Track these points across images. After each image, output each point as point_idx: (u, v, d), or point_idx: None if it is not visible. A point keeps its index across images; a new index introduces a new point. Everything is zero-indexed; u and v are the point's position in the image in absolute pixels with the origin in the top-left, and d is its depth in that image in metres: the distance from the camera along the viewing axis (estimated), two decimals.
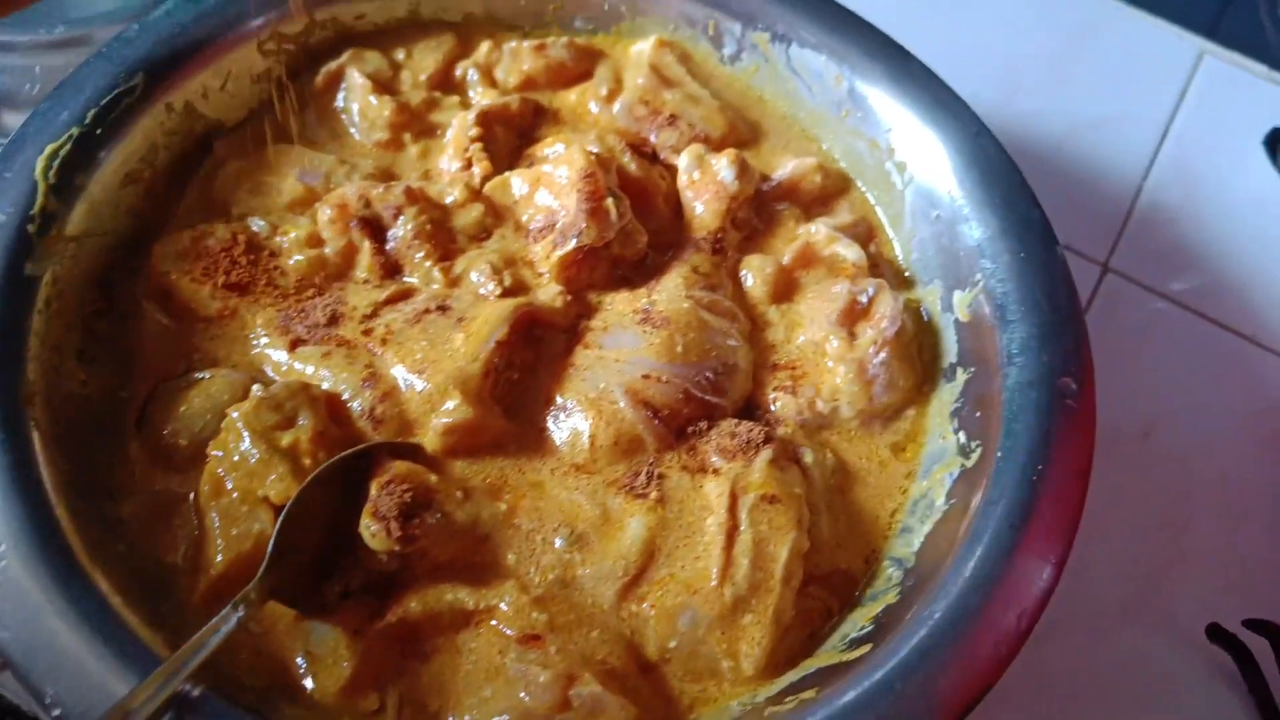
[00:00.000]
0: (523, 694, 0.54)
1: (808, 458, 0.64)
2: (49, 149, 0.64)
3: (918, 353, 0.70)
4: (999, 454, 0.61)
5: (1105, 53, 1.05)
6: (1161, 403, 0.83)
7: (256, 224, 0.69)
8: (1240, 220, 0.94)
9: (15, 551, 0.52)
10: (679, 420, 0.64)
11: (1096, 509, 0.76)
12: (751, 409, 0.67)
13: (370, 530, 0.56)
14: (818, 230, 0.72)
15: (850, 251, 0.71)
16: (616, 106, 0.78)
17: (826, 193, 0.77)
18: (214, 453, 0.59)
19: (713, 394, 0.65)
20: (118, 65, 0.69)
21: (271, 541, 0.55)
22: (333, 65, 0.76)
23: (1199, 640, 0.71)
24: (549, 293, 0.67)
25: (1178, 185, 0.96)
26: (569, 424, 0.63)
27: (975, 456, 0.62)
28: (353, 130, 0.75)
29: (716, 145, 0.76)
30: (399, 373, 0.63)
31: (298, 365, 0.63)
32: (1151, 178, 0.96)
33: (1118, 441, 0.80)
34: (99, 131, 0.66)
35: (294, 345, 0.64)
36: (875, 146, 0.75)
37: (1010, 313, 0.66)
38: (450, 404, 0.61)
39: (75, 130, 0.66)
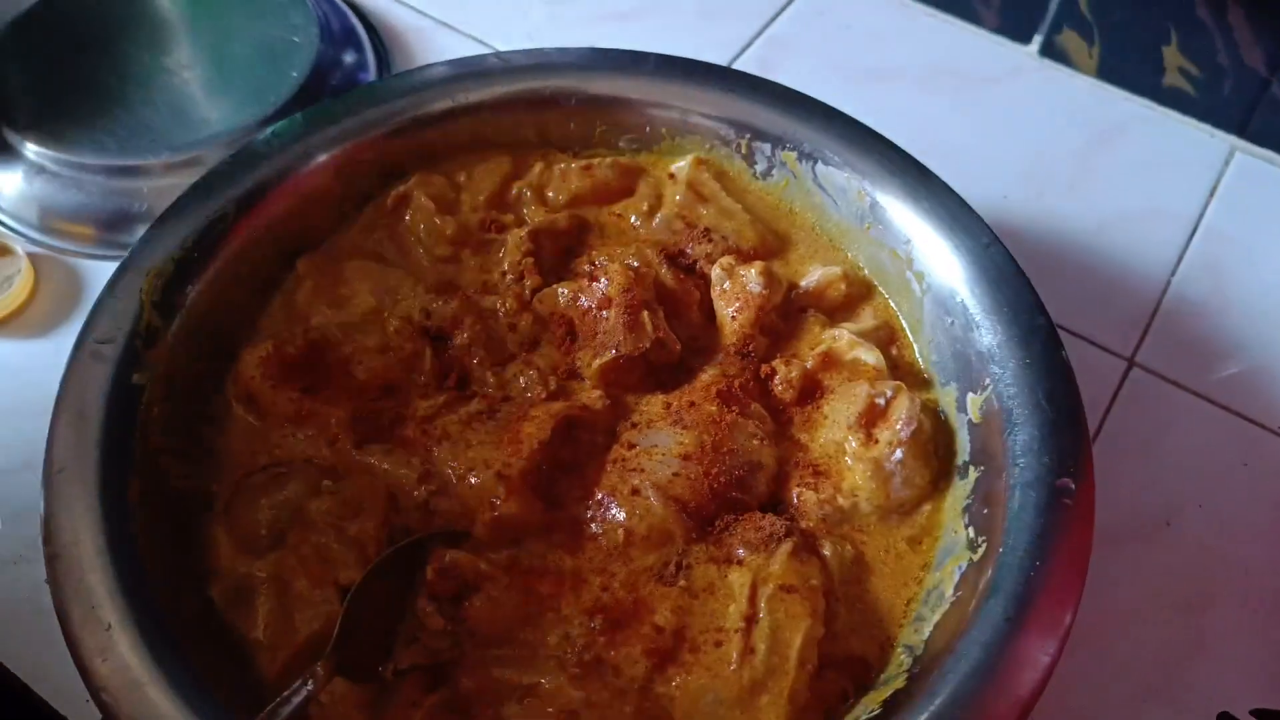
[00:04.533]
0: None
1: (827, 550, 0.70)
2: (152, 270, 0.74)
3: (934, 451, 0.75)
4: (1001, 550, 0.65)
5: (1134, 152, 1.09)
6: (1184, 493, 0.86)
7: (332, 334, 0.77)
8: (1267, 315, 0.98)
9: (120, 629, 0.60)
10: (707, 514, 0.70)
11: (1118, 595, 0.80)
12: (777, 504, 0.73)
13: (426, 611, 0.63)
14: (840, 335, 0.78)
15: (870, 355, 0.77)
16: (656, 221, 0.85)
17: (850, 299, 0.83)
18: (291, 541, 0.67)
19: (738, 490, 0.71)
20: (213, 195, 0.78)
21: (339, 621, 0.62)
22: (401, 188, 0.85)
23: None
24: (590, 397, 0.74)
25: (1206, 280, 1.00)
26: (606, 517, 0.70)
27: (981, 551, 0.67)
28: (419, 247, 0.84)
29: (748, 256, 0.83)
30: (452, 469, 0.70)
31: (364, 461, 0.71)
32: (1180, 273, 1.00)
33: (1140, 530, 0.84)
34: (196, 255, 0.76)
35: (361, 443, 0.72)
36: (896, 256, 0.81)
37: (1016, 415, 0.71)
38: (497, 498, 0.68)
39: (176, 253, 0.75)
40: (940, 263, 0.79)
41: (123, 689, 0.58)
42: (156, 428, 0.70)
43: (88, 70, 1.01)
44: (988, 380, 0.73)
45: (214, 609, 0.66)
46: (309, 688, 0.59)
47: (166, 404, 0.71)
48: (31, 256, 0.92)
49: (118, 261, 0.76)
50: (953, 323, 0.77)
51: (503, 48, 1.11)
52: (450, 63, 0.89)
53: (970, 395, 0.75)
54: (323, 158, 0.83)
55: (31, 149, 0.96)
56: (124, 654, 0.59)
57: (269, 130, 0.83)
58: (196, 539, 0.69)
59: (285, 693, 0.58)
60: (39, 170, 0.96)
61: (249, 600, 0.66)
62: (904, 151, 0.84)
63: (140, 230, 0.80)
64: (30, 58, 1.02)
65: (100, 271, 0.92)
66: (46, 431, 0.68)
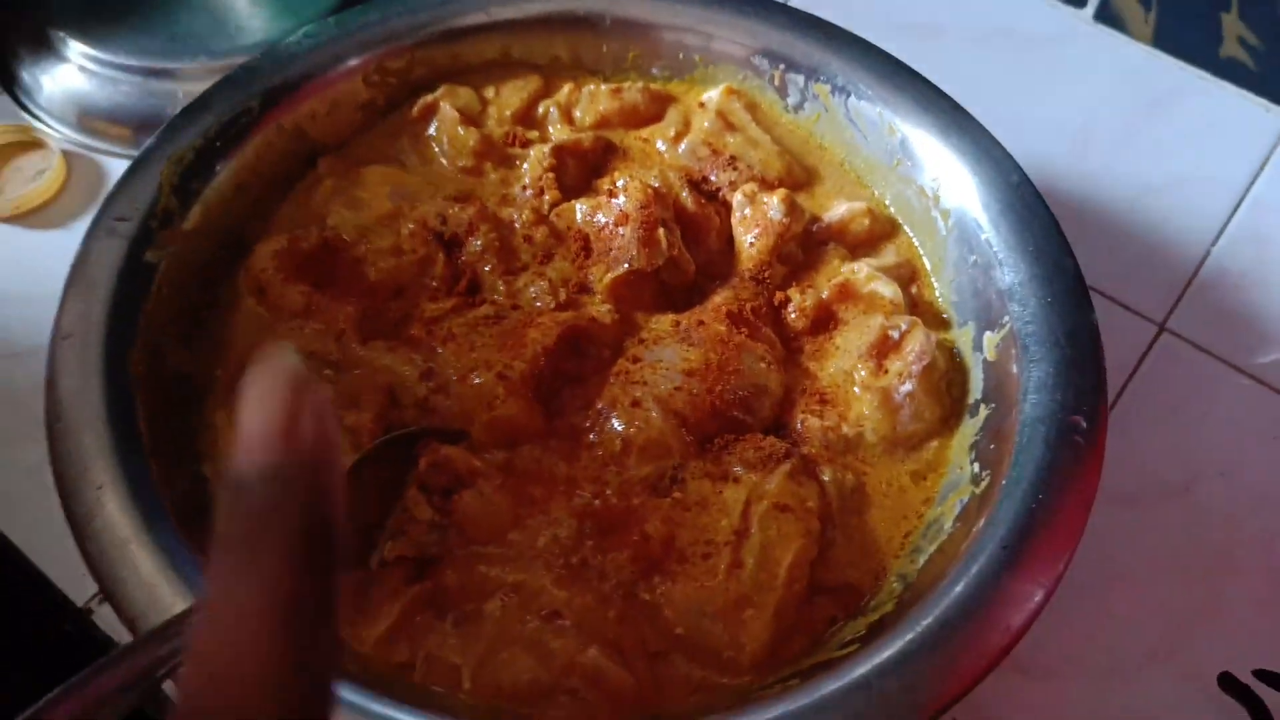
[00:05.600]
0: (536, 661, 0.60)
1: (827, 476, 0.69)
2: (174, 156, 0.74)
3: (946, 389, 0.73)
4: (1004, 482, 0.64)
5: (1185, 121, 1.06)
6: (1208, 460, 0.84)
7: (347, 233, 0.77)
8: None
9: (112, 492, 0.60)
10: (706, 431, 0.69)
11: (1128, 555, 0.78)
12: (779, 429, 0.72)
13: (415, 500, 0.63)
14: (859, 268, 0.77)
15: (888, 289, 0.75)
16: (681, 147, 0.84)
17: (874, 236, 0.81)
18: None
19: (741, 410, 0.70)
20: (240, 89, 0.79)
21: None
22: (428, 98, 0.84)
23: (1217, 691, 0.72)
24: (599, 310, 0.74)
25: (1249, 252, 0.97)
26: (604, 427, 0.69)
27: (984, 484, 0.66)
28: (441, 157, 0.83)
29: (772, 186, 0.81)
30: (455, 369, 0.70)
31: (367, 356, 0.71)
32: (1221, 244, 0.97)
33: (1157, 493, 0.82)
34: (218, 144, 0.76)
35: (366, 339, 0.72)
36: (922, 194, 0.80)
37: (1032, 353, 0.69)
38: (497, 399, 0.68)
39: (198, 142, 0.76)
40: (967, 200, 0.77)
41: (108, 546, 0.58)
42: (165, 307, 0.70)
43: None
44: (1006, 318, 0.71)
45: (206, 487, 0.66)
46: None
47: (177, 286, 0.72)
48: (65, 153, 0.93)
49: None
50: (975, 261, 0.75)
51: None
52: None
53: (988, 334, 0.73)
54: (352, 62, 0.83)
55: (74, 47, 0.97)
56: (112, 513, 0.59)
57: (300, 31, 0.83)
58: (196, 420, 0.69)
59: None
60: (79, 69, 0.97)
61: None
62: (938, 88, 0.82)
63: None
64: None
65: None
66: None
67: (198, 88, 0.92)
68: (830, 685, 0.56)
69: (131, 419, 0.64)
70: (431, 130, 0.84)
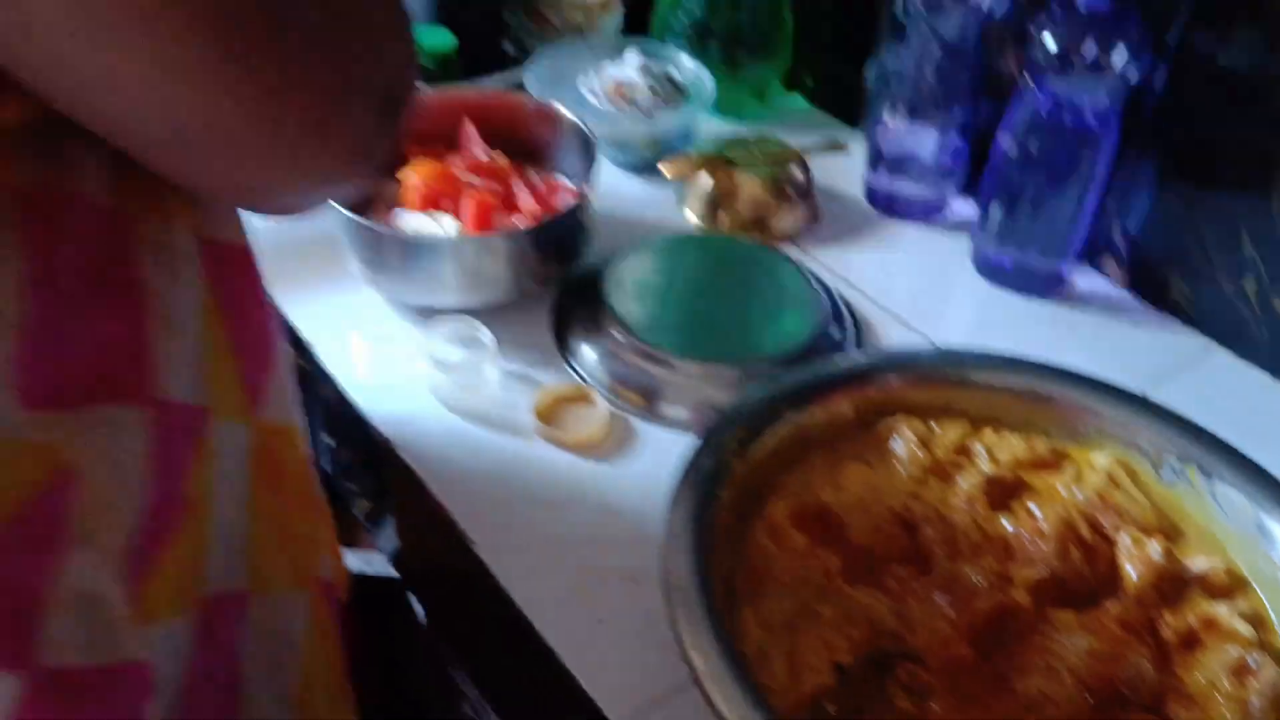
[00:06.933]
0: None
1: None
2: (737, 428, 1.09)
3: None
4: None
5: None
6: None
7: (835, 504, 1.08)
8: None
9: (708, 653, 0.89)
10: (1104, 697, 0.93)
11: None
12: (1155, 713, 0.95)
13: (899, 694, 0.90)
14: (1220, 608, 1.01)
15: (1245, 629, 0.99)
16: (1078, 493, 1.12)
17: (1229, 587, 1.05)
18: (802, 628, 0.96)
19: (1129, 689, 0.94)
20: (779, 391, 1.13)
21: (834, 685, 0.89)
22: (890, 420, 1.17)
23: None
24: (1021, 598, 1.00)
25: None
26: (1025, 680, 0.94)
27: None
28: (898, 466, 1.14)
29: (1150, 534, 1.08)
30: (918, 615, 0.97)
31: (852, 594, 1.00)
32: None
33: None
34: (757, 430, 1.11)
35: (849, 582, 1.01)
36: (1273, 563, 1.04)
37: None
38: (951, 641, 0.95)
39: (745, 424, 1.10)
40: None
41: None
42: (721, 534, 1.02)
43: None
44: None
45: (742, 659, 0.95)
46: None
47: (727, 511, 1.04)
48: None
49: (653, 423, 1.23)
50: None
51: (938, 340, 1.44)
52: (968, 351, 1.22)
53: None
54: (848, 390, 1.17)
55: (613, 333, 1.36)
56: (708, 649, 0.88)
57: (832, 358, 1.19)
58: (731, 616, 0.99)
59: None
60: (612, 347, 1.36)
61: (768, 660, 0.95)
62: None
63: (667, 409, 1.24)
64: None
65: (642, 428, 1.29)
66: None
67: (686, 381, 1.30)
68: None
69: (710, 595, 0.94)
70: (892, 444, 1.16)
